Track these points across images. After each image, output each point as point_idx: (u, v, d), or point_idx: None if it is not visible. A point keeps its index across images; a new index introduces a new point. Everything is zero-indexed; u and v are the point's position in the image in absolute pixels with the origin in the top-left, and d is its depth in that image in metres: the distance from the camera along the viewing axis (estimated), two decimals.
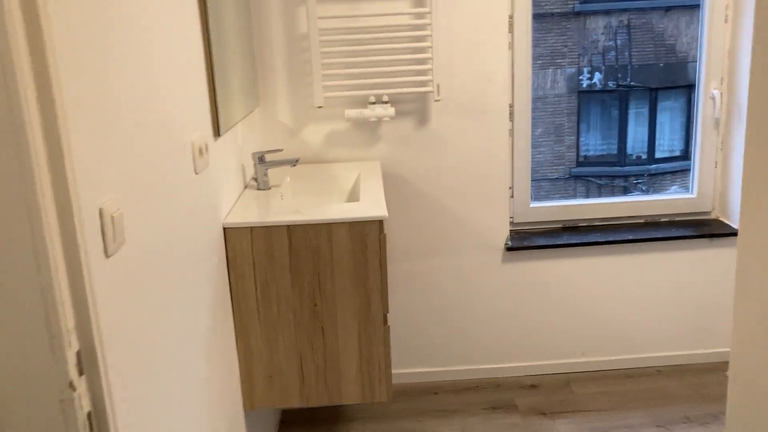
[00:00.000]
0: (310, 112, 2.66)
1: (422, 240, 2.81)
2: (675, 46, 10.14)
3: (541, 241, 2.84)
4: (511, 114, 2.75)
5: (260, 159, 2.27)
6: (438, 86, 2.57)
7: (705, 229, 2.86)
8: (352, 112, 2.59)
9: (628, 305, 2.93)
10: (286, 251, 1.97)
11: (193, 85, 1.71)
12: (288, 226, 1.95)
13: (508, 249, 2.81)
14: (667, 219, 2.97)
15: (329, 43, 2.58)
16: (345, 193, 2.50)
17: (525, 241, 2.84)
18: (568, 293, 2.91)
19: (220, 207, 1.94)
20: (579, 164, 10.35)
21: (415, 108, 2.68)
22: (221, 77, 1.96)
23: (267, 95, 2.64)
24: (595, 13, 10.04)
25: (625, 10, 10.09)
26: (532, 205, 2.95)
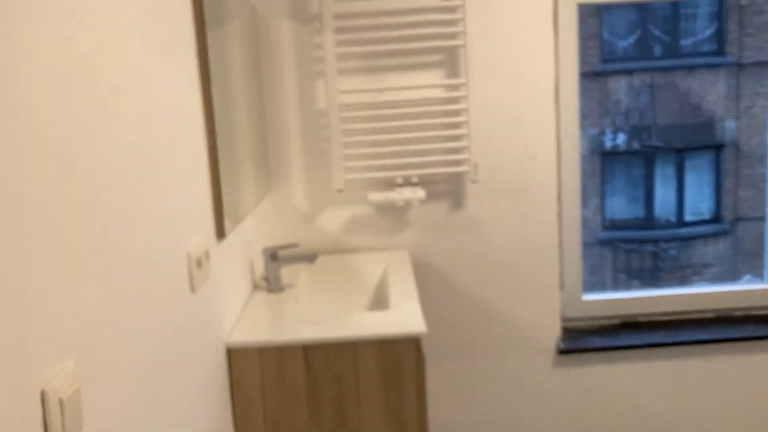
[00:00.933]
0: (329, 196, 2.34)
1: (458, 341, 2.43)
2: (701, 106, 9.89)
3: (598, 342, 2.45)
4: (559, 194, 2.41)
5: (272, 256, 1.94)
6: (476, 165, 2.24)
7: None
8: (376, 196, 2.26)
9: (701, 418, 2.50)
10: (302, 376, 1.61)
11: (192, 180, 1.39)
12: (304, 346, 1.60)
13: (561, 352, 2.42)
14: (741, 313, 2.57)
15: (351, 119, 2.28)
16: (370, 291, 2.14)
17: (579, 341, 2.45)
18: (631, 404, 2.49)
19: (223, 322, 1.59)
20: (605, 228, 9.96)
21: (448, 190, 2.35)
22: (227, 168, 1.64)
23: (280, 178, 2.33)
24: (617, 73, 9.87)
25: (647, 70, 9.90)
26: (584, 297, 2.57)
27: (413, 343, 1.60)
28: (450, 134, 2.24)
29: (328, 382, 1.61)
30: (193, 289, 1.32)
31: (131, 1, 1.11)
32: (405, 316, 1.68)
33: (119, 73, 1.05)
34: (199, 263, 1.36)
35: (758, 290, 2.56)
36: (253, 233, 2.01)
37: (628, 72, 9.49)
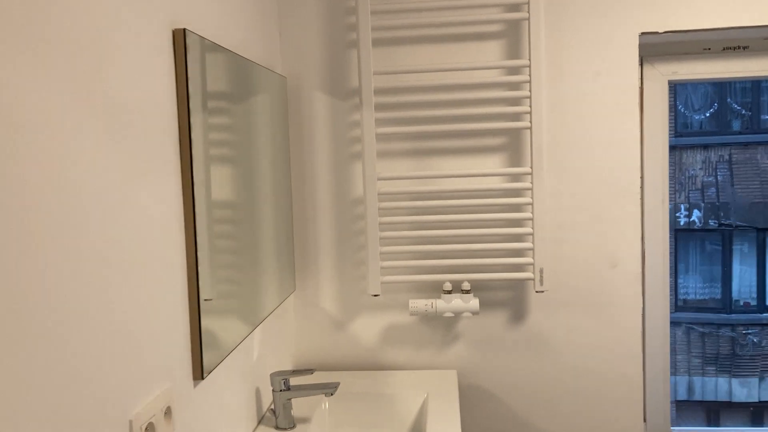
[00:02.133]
0: (363, 301, 1.96)
1: None
2: None
3: None
4: (643, 310, 1.95)
5: (283, 383, 1.55)
6: (541, 272, 1.83)
7: None
8: (418, 304, 1.87)
9: None
10: None
11: (152, 310, 1.03)
12: None
13: None
14: None
15: (391, 211, 1.91)
16: (406, 428, 1.73)
17: None
18: None
19: None
20: (678, 308, 9.22)
21: (507, 299, 1.93)
22: (225, 273, 1.29)
23: (306, 277, 1.97)
24: (692, 147, 9.30)
25: (725, 145, 9.30)
26: (673, 429, 2.07)
27: None
28: (511, 233, 1.84)
29: None
30: None
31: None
32: None
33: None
34: (150, 430, 0.98)
35: None
36: (265, 346, 1.64)
37: (705, 146, 8.96)
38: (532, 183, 1.81)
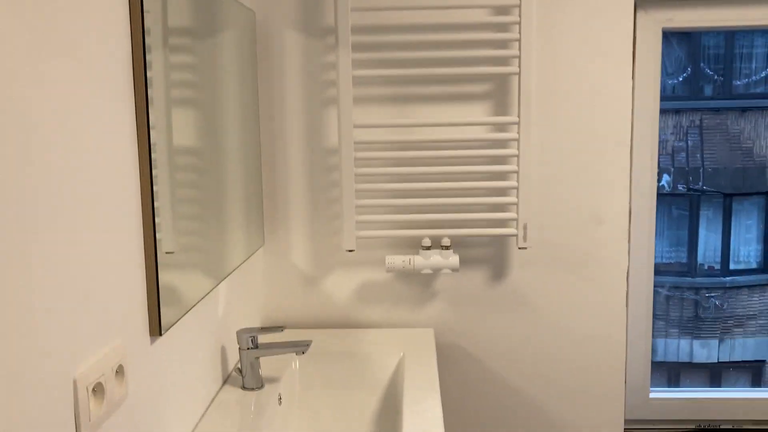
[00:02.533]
0: (337, 257, 1.85)
1: None
2: (752, 150, 9.25)
3: None
4: (628, 269, 1.88)
5: (250, 341, 1.45)
6: (525, 227, 1.74)
7: None
8: (395, 261, 1.77)
9: None
10: None
11: (105, 259, 0.91)
12: None
13: None
14: None
15: (368, 161, 1.80)
16: (379, 389, 1.64)
17: None
18: None
19: None
20: None
21: (488, 256, 1.84)
22: (185, 226, 1.17)
23: (276, 231, 1.85)
24: (664, 111, 9.31)
25: (697, 110, 9.30)
26: (652, 395, 2.03)
27: None
28: (494, 187, 1.74)
29: None
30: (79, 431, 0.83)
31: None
32: None
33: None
34: (98, 390, 0.87)
35: None
36: (231, 302, 1.53)
37: (676, 111, 8.96)
38: (518, 133, 1.70)
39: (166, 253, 1.13)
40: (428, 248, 1.77)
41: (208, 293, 1.36)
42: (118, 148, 0.95)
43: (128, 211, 0.98)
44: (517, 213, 1.73)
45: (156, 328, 1.06)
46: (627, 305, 1.87)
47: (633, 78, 1.81)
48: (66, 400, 0.80)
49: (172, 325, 1.15)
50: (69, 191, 0.82)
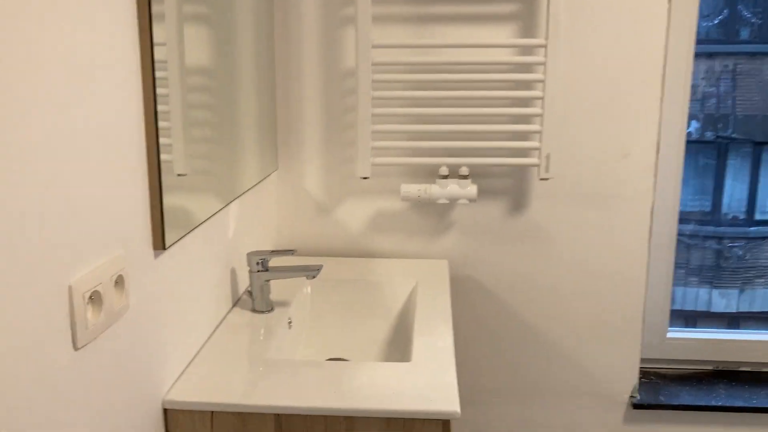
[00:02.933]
0: (351, 184, 1.81)
1: (503, 378, 1.89)
2: None
3: (686, 397, 1.87)
4: (653, 206, 1.82)
5: (260, 264, 1.42)
6: (548, 157, 1.67)
7: None
8: (411, 189, 1.72)
9: None
10: None
11: (105, 164, 0.87)
12: (276, 415, 1.08)
13: (636, 406, 1.86)
14: None
15: (386, 84, 1.73)
16: (391, 317, 1.62)
17: (660, 393, 1.89)
18: None
19: (162, 369, 1.09)
20: None
21: (507, 187, 1.78)
22: (192, 138, 1.12)
23: (289, 155, 1.80)
24: (697, 55, 9.03)
25: (731, 54, 9.02)
26: (669, 335, 1.99)
27: (439, 428, 1.07)
28: (517, 113, 1.67)
29: None
30: (78, 344, 0.81)
31: None
32: (431, 381, 1.15)
33: None
34: (96, 299, 0.84)
35: None
36: (242, 225, 1.50)
37: (709, 55, 8.67)
38: (545, 57, 1.62)
39: (178, 175, 1.09)
40: (445, 177, 1.72)
41: (217, 213, 1.32)
42: (121, 62, 0.90)
43: (130, 122, 0.94)
44: (540, 142, 1.66)
45: (159, 242, 1.03)
46: (649, 242, 1.81)
47: (669, 11, 1.70)
48: (61, 306, 0.78)
49: (178, 241, 1.12)
50: (67, 93, 0.77)
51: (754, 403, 1.84)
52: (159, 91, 1.01)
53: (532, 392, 1.89)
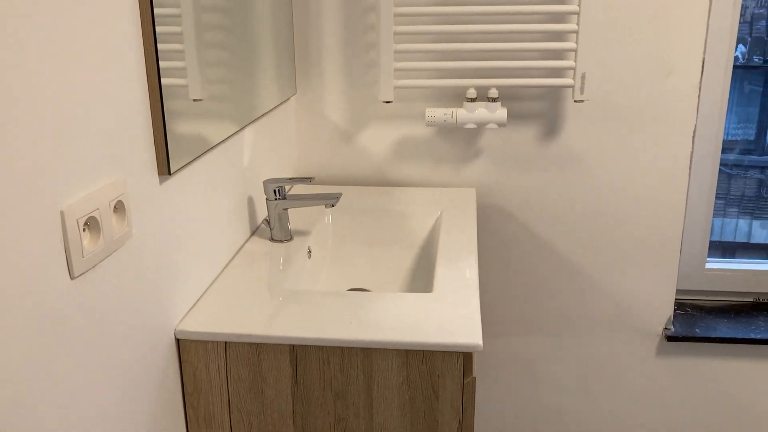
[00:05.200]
0: (374, 109, 1.72)
1: (531, 309, 1.84)
2: None
3: (723, 330, 1.80)
4: (695, 130, 1.70)
5: (277, 192, 1.36)
6: (583, 77, 1.56)
7: None
8: (437, 114, 1.63)
9: None
10: (288, 388, 1.07)
11: (100, 83, 0.81)
12: (293, 346, 1.05)
13: (669, 338, 1.80)
14: None
15: (409, 0, 1.62)
16: (415, 247, 1.56)
17: (696, 326, 1.82)
18: (758, 413, 1.87)
19: (176, 294, 1.05)
20: None
21: (540, 110, 1.68)
22: (198, 56, 1.05)
23: (308, 78, 1.72)
24: None
25: None
26: (708, 265, 1.91)
27: (460, 361, 1.02)
28: (550, 30, 1.55)
29: (327, 401, 1.07)
30: (74, 271, 0.76)
31: None
32: (453, 313, 1.09)
33: None
34: (93, 226, 0.79)
35: None
36: (259, 152, 1.44)
37: None
38: None
39: (194, 100, 1.02)
40: (473, 100, 1.62)
41: (231, 138, 1.26)
42: None
43: (129, 39, 0.86)
44: (576, 61, 1.55)
45: (165, 167, 0.97)
46: (690, 168, 1.70)
47: None
48: (53, 233, 0.73)
49: (186, 167, 1.06)
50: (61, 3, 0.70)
51: None
52: (168, 11, 0.94)
53: (562, 324, 1.83)
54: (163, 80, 0.94)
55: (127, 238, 0.88)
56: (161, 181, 0.99)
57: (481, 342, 1.00)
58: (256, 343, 1.05)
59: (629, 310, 1.81)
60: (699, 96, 1.65)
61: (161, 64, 0.93)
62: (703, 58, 1.62)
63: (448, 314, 1.08)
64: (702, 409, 1.87)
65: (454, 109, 1.63)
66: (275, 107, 1.54)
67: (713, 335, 1.78)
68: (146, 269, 0.95)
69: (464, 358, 1.02)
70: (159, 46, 0.93)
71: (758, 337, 1.77)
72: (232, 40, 1.23)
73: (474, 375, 1.04)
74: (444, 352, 1.02)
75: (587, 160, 1.69)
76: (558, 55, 1.61)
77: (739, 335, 1.78)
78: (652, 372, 1.85)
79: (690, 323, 1.83)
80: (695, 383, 1.85)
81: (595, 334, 1.83)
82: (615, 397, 1.88)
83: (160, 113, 0.95)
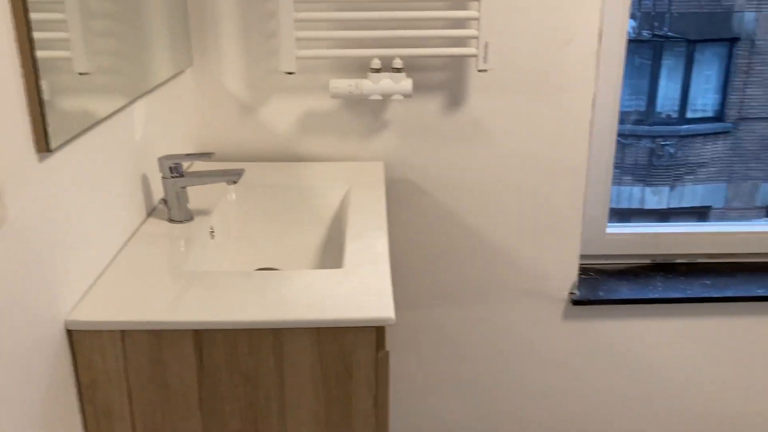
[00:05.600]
0: (275, 80, 1.66)
1: (442, 280, 1.84)
2: None
3: (624, 291, 1.87)
4: (595, 96, 1.74)
5: (173, 170, 1.28)
6: (486, 46, 1.55)
7: None
8: (341, 85, 1.58)
9: (739, 389, 1.99)
10: (194, 375, 1.01)
11: None
12: (196, 331, 0.99)
13: (575, 302, 1.85)
14: None
15: None
16: (324, 222, 1.52)
17: (599, 289, 1.88)
18: (659, 369, 1.96)
19: (64, 282, 0.97)
20: None
21: (444, 80, 1.67)
22: (71, 26, 0.96)
23: (205, 48, 1.63)
24: None
25: None
26: (609, 230, 1.97)
27: (373, 335, 1.00)
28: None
29: (236, 386, 1.02)
30: None
31: None
32: (364, 287, 1.06)
33: None
34: None
35: None
36: (153, 127, 1.35)
37: None
38: None
39: (80, 74, 0.93)
40: (377, 71, 1.59)
41: (119, 112, 1.17)
42: None
43: None
44: (479, 30, 1.54)
45: (43, 144, 0.88)
46: (591, 135, 1.74)
47: None
48: None
49: (69, 143, 0.97)
50: None
51: (689, 294, 1.85)
52: None
53: (471, 293, 1.85)
54: (39, 53, 0.85)
55: (2, 222, 0.79)
56: (41, 159, 0.90)
57: (393, 315, 0.98)
58: (156, 330, 0.98)
59: (537, 276, 1.84)
60: (597, 66, 1.68)
61: (37, 35, 0.85)
62: (600, 28, 1.65)
63: (359, 289, 1.05)
64: (607, 367, 1.95)
65: (358, 80, 1.59)
66: (169, 79, 1.45)
67: (615, 297, 1.85)
68: (27, 255, 0.86)
69: (377, 332, 0.99)
70: (33, 15, 0.84)
71: (656, 296, 1.85)
72: (120, 9, 1.14)
73: (387, 349, 1.02)
74: (356, 327, 0.99)
75: (493, 129, 1.70)
76: (461, 24, 1.60)
77: (639, 296, 1.85)
78: (560, 335, 1.91)
79: (593, 287, 1.89)
80: (601, 344, 1.92)
81: (506, 301, 1.86)
82: (526, 361, 1.93)
83: (35, 88, 0.86)
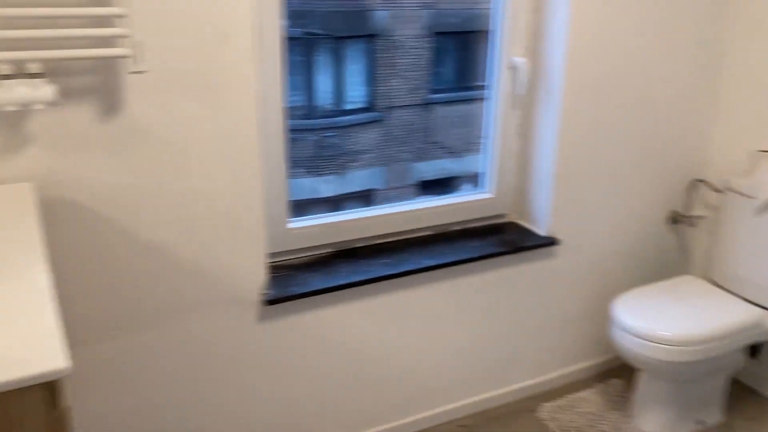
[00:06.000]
0: None
1: (127, 306, 1.67)
2: None
3: (315, 283, 1.91)
4: (261, 91, 1.73)
5: None
6: (139, 46, 1.42)
7: (508, 239, 2.23)
8: None
9: (421, 353, 2.19)
10: None
11: None
12: None
13: (269, 302, 1.83)
14: (459, 227, 2.28)
15: None
16: None
17: (291, 285, 1.89)
18: (362, 348, 2.06)
19: None
20: None
21: (94, 84, 1.49)
22: None
23: None
24: None
25: None
26: (290, 225, 2.00)
27: (45, 393, 0.83)
28: None
29: None
30: None
31: None
32: (25, 337, 0.88)
33: None
34: None
35: (477, 201, 2.28)
36: None
37: None
38: None
39: None
40: (10, 77, 1.35)
41: None
42: None
43: None
44: (129, 28, 1.40)
45: None
46: (260, 134, 1.73)
47: None
48: None
49: None
50: None
51: (373, 274, 1.96)
52: None
53: (161, 313, 1.71)
54: None
55: None
56: None
57: (66, 363, 0.83)
58: None
59: (224, 283, 1.78)
60: (258, 62, 1.66)
61: None
62: (256, 25, 1.63)
63: (18, 342, 0.87)
64: (312, 360, 1.97)
65: None
66: None
67: (307, 290, 1.87)
68: None
69: (49, 388, 0.83)
70: None
71: (342, 282, 1.92)
72: None
73: (67, 404, 0.86)
74: (22, 389, 0.82)
75: (158, 134, 1.58)
76: (107, 21, 1.44)
77: (330, 284, 1.91)
78: (258, 339, 1.87)
79: (284, 283, 1.89)
80: (301, 338, 1.94)
81: (195, 315, 1.76)
82: (227, 373, 1.86)
83: None
